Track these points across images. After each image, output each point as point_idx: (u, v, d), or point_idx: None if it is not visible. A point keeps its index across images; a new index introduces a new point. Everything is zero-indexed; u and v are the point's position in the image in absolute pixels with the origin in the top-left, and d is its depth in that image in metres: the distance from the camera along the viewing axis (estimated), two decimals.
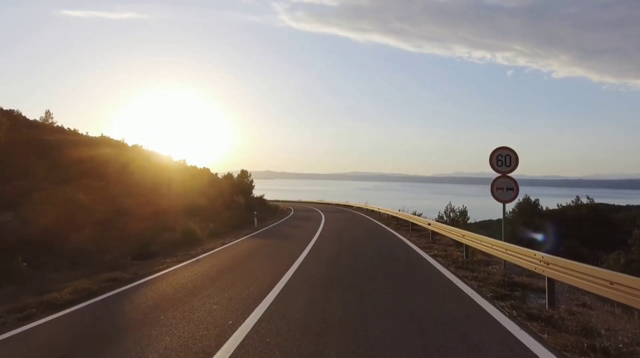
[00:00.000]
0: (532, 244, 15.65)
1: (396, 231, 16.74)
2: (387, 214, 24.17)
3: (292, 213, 35.79)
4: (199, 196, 24.83)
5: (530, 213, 33.43)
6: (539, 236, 20.53)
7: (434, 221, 13.04)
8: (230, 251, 12.21)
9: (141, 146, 27.85)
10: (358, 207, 39.46)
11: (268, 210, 34.42)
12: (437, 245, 12.24)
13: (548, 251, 5.97)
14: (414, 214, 19.84)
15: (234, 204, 24.91)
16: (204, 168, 36.36)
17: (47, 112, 28.00)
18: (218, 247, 13.17)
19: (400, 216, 20.22)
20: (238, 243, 14.14)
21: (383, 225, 20.20)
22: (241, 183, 40.20)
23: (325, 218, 26.85)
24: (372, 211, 31.39)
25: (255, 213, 22.51)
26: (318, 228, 18.92)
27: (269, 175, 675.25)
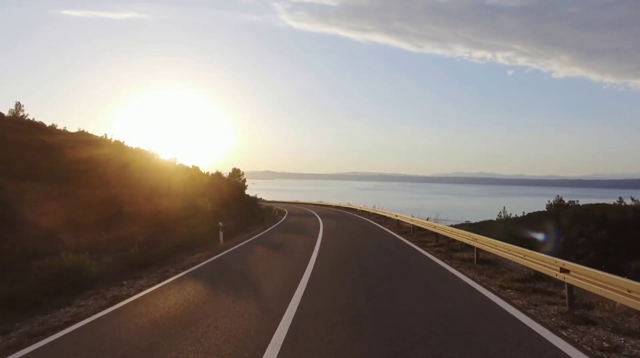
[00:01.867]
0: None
1: (448, 264, 9.31)
2: (413, 225, 16.79)
3: (284, 218, 28.95)
4: (171, 199, 19.15)
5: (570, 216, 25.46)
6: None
7: (586, 269, 5.48)
8: (78, 344, 4.82)
9: (123, 142, 24.80)
10: (363, 211, 32.46)
11: (255, 215, 27.66)
12: (613, 334, 4.83)
13: None
14: (458, 226, 12.56)
15: (191, 211, 17.69)
16: (193, 166, 32.07)
17: (18, 105, 24.63)
18: (80, 320, 5.76)
19: (445, 233, 12.50)
20: (141, 301, 6.61)
21: (416, 247, 12.57)
22: (231, 183, 34.69)
23: (324, 227, 19.73)
24: (385, 217, 24.08)
25: (221, 224, 15.19)
26: (312, 251, 11.65)
27: (269, 175, 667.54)
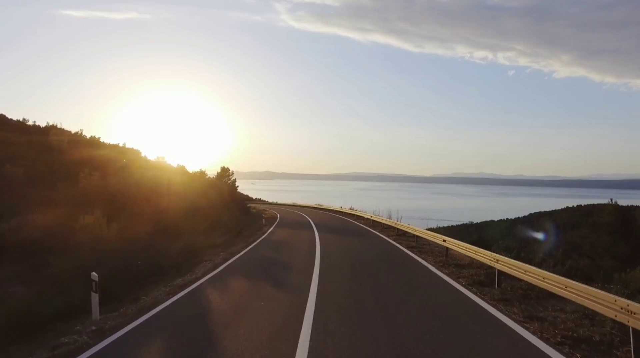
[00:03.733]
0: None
1: None
2: (498, 270, 8.44)
3: (270, 230, 22.91)
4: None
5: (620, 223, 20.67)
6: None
7: None
8: None
9: (99, 138, 24.88)
10: (374, 221, 24.93)
11: (232, 226, 20.96)
12: None
13: None
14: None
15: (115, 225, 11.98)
16: (178, 166, 30.29)
17: None
18: None
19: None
20: None
21: None
22: (215, 184, 30.01)
23: (321, 258, 12.43)
24: (415, 237, 16.33)
25: (95, 276, 6.60)
26: None
27: (269, 175, 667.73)
